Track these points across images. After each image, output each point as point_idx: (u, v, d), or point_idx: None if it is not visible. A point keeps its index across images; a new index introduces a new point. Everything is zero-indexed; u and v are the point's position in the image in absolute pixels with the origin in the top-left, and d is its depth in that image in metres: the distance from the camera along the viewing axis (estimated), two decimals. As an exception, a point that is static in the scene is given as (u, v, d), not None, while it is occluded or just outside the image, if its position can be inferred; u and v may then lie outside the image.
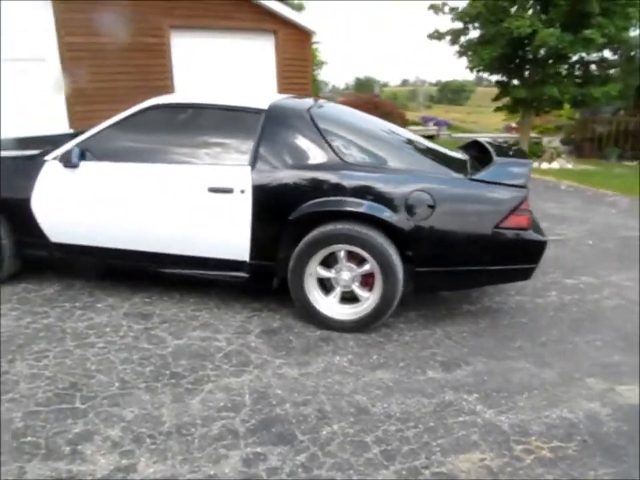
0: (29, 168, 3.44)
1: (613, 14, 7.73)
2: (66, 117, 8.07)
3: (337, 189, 3.00)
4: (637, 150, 9.42)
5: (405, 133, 3.79)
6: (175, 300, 3.56)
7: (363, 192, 2.96)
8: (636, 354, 2.92)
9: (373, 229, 2.96)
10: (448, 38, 9.42)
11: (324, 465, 2.09)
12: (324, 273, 3.13)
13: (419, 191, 2.93)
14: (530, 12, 7.98)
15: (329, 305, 3.16)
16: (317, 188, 3.02)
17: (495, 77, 9.67)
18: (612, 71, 8.44)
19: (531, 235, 2.95)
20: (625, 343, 3.07)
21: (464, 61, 9.71)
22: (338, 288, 3.15)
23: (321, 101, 3.77)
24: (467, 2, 9.16)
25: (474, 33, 9.23)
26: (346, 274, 3.10)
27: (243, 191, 3.07)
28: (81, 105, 8.00)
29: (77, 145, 3.35)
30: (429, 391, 2.59)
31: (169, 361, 2.81)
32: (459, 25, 9.34)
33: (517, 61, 8.83)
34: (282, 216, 3.06)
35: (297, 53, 10.12)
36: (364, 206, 2.93)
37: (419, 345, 3.03)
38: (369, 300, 3.10)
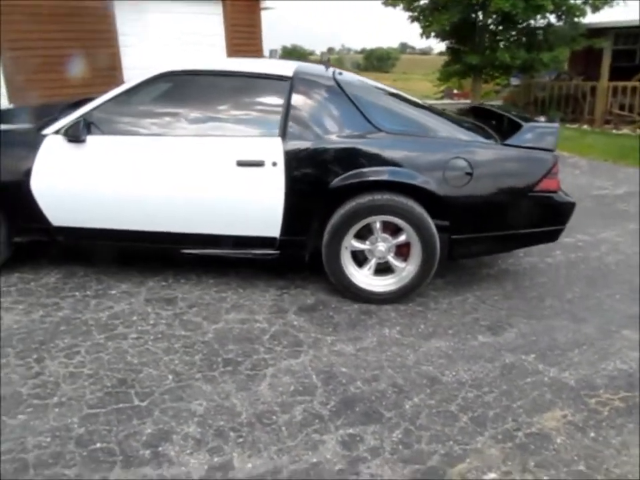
0: (24, 144, 3.02)
1: (560, -19, 7.99)
2: (3, 87, 7.26)
3: (373, 159, 2.87)
4: (577, 113, 9.94)
5: (417, 99, 3.70)
6: (194, 282, 3.33)
7: (400, 161, 2.86)
8: (654, 305, 3.09)
9: (411, 198, 2.89)
10: (401, 5, 9.32)
11: (421, 439, 2.05)
12: (359, 245, 3.03)
13: (457, 158, 2.87)
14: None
15: (364, 278, 3.07)
16: (352, 158, 2.88)
17: (443, 44, 9.74)
18: (553, 36, 8.74)
19: (562, 197, 3.00)
20: (638, 295, 3.23)
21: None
22: (373, 260, 3.06)
23: (333, 67, 3.58)
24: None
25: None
26: (382, 245, 3.01)
27: (275, 164, 2.87)
28: (21, 75, 7.21)
29: (82, 116, 2.98)
30: (488, 356, 2.60)
31: (215, 347, 2.63)
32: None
33: (469, 27, 8.93)
34: (316, 188, 2.91)
35: (246, 19, 9.64)
36: (404, 175, 2.84)
37: (458, 312, 3.03)
38: (404, 270, 3.05)
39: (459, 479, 1.88)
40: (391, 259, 3.05)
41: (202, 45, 9.20)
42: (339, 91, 2.99)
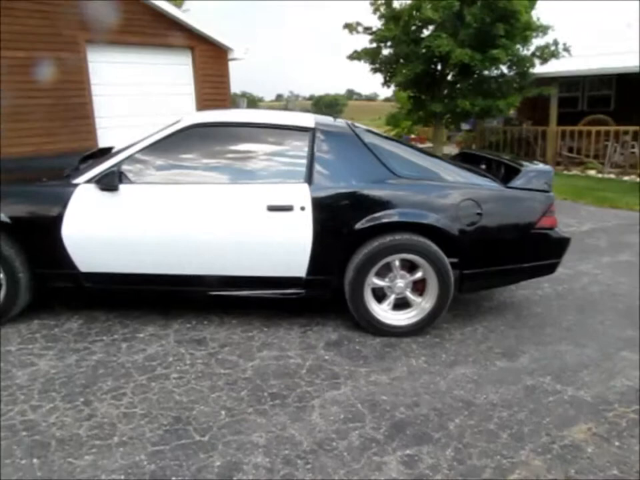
0: (55, 193, 3.14)
1: (513, 36, 8.84)
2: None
3: (393, 202, 3.17)
4: (530, 155, 10.78)
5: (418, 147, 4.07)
6: (217, 323, 3.46)
7: (418, 204, 3.18)
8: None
9: (428, 237, 3.19)
10: (365, 58, 9.99)
11: (472, 455, 2.26)
12: (379, 282, 3.29)
13: (468, 199, 3.21)
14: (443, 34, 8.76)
15: (384, 313, 3.31)
16: (374, 201, 3.17)
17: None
18: (506, 85, 9.56)
19: (558, 233, 3.38)
20: (627, 320, 3.62)
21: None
22: (392, 295, 3.32)
23: (340, 119, 3.91)
24: (381, 23, 9.83)
25: (385, 52, 9.91)
26: (401, 281, 3.28)
27: (303, 208, 3.12)
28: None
29: (114, 166, 3.14)
30: (509, 379, 2.87)
31: (258, 383, 2.77)
32: (371, 44, 9.96)
33: (429, 77, 9.64)
34: (341, 230, 3.16)
35: (214, 69, 9.99)
36: (422, 216, 3.14)
37: (472, 341, 3.30)
38: (421, 304, 3.32)
39: (513, 489, 2.10)
40: (408, 294, 3.32)
41: (172, 94, 9.46)
42: (357, 140, 3.31)
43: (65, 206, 3.10)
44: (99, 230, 3.15)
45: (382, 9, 9.51)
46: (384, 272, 3.30)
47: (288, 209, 3.12)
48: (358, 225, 3.12)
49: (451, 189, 3.25)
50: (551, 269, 3.48)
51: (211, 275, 3.24)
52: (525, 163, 3.56)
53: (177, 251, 3.18)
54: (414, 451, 2.28)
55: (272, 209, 3.12)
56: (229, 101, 10.50)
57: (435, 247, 3.17)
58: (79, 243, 3.15)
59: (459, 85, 9.31)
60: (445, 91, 9.57)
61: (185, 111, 9.63)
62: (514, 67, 9.31)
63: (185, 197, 3.17)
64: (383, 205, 3.16)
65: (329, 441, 2.33)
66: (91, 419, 2.44)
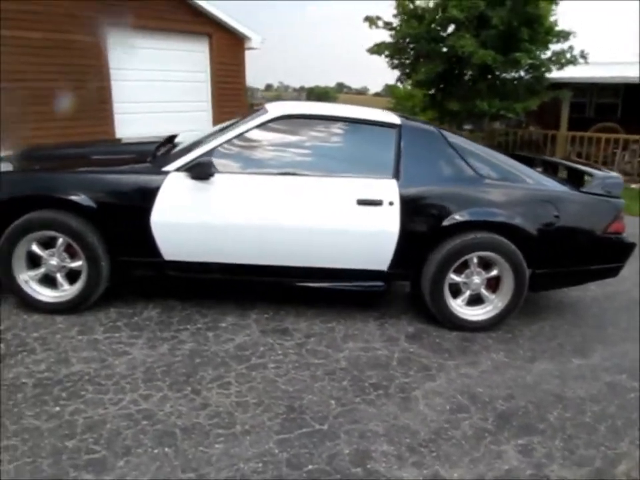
0: (147, 181, 3.17)
1: (535, 41, 9.06)
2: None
3: (477, 202, 3.31)
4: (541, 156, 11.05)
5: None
6: (293, 313, 3.55)
7: (500, 204, 3.32)
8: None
9: (507, 237, 3.33)
10: (386, 52, 10.12)
11: (578, 445, 2.42)
12: (456, 278, 3.42)
13: (547, 202, 3.37)
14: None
15: (459, 308, 3.45)
16: (460, 200, 3.29)
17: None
18: (523, 88, 9.81)
19: (625, 238, 3.56)
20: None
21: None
22: (468, 291, 3.46)
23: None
24: (399, 20, 9.96)
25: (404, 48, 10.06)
26: (477, 278, 3.42)
27: (391, 203, 3.23)
28: (11, 107, 7.08)
29: (204, 155, 3.19)
30: (589, 375, 3.03)
31: (355, 374, 2.88)
32: (389, 39, 10.10)
33: (448, 77, 9.82)
34: (427, 227, 3.28)
35: (231, 57, 10.00)
36: (505, 216, 3.28)
37: (542, 338, 3.46)
38: (494, 301, 3.47)
39: (625, 479, 2.26)
40: (482, 290, 3.46)
41: (188, 81, 9.45)
42: (442, 139, 3.43)
43: (155, 193, 3.15)
44: (188, 218, 3.20)
45: (406, 5, 9.62)
46: (460, 268, 3.43)
47: (377, 203, 3.22)
48: (444, 222, 3.25)
49: (531, 190, 3.40)
50: (615, 272, 3.65)
51: (296, 267, 3.32)
52: (592, 170, 3.74)
53: (264, 242, 3.25)
54: (525, 440, 2.43)
55: (362, 202, 3.22)
56: (244, 90, 10.51)
57: (513, 246, 3.31)
58: (167, 230, 3.20)
59: (478, 86, 9.49)
60: (462, 92, 9.75)
61: (201, 99, 9.70)
62: (531, 71, 9.54)
63: (273, 188, 3.24)
64: (468, 203, 3.29)
65: (445, 430, 2.46)
66: (206, 408, 2.52)
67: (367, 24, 9.94)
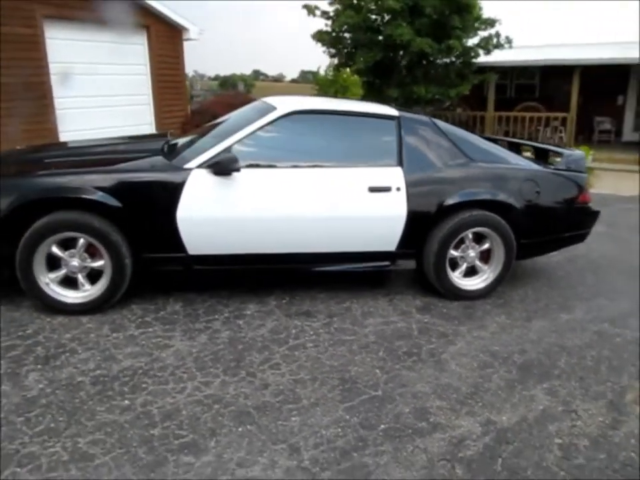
0: (172, 178, 3.25)
1: (466, 28, 9.69)
2: None
3: (472, 182, 3.69)
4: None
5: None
6: (308, 297, 3.77)
7: (494, 184, 3.72)
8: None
9: (497, 212, 3.74)
10: (326, 41, 10.35)
11: (591, 384, 2.86)
12: (454, 253, 3.79)
13: (530, 180, 3.81)
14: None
15: (458, 280, 3.84)
16: (457, 182, 3.65)
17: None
18: (454, 73, 10.46)
19: (591, 207, 4.10)
20: (634, 279, 4.46)
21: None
22: (464, 264, 3.85)
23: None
24: (334, 9, 10.24)
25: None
26: (472, 252, 3.82)
27: (398, 189, 3.53)
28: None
29: (223, 152, 3.31)
30: (578, 327, 3.51)
31: (387, 345, 3.17)
32: (326, 27, 10.37)
33: (387, 64, 10.25)
34: (430, 208, 3.62)
35: (169, 49, 9.83)
36: (498, 194, 3.69)
37: (530, 300, 3.93)
38: (487, 271, 3.89)
39: (636, 405, 2.73)
40: (477, 262, 3.87)
41: (128, 74, 9.21)
42: (435, 127, 3.77)
43: (180, 190, 3.24)
44: (212, 213, 3.32)
45: (341, -6, 9.94)
46: (457, 244, 3.80)
47: (387, 189, 3.51)
48: (445, 203, 3.60)
49: (516, 170, 3.83)
50: (584, 237, 4.20)
51: (314, 252, 3.55)
52: (559, 149, 4.24)
53: (284, 231, 3.44)
54: (548, 384, 2.84)
55: (373, 190, 3.49)
56: (184, 82, 10.37)
57: (503, 221, 3.73)
58: (192, 225, 3.30)
59: (413, 72, 10.02)
60: (399, 78, 10.24)
61: (142, 92, 9.46)
62: (461, 57, 10.20)
63: (291, 180, 3.43)
64: (464, 184, 3.66)
65: (480, 384, 2.82)
66: (268, 387, 2.71)
67: (302, 12, 10.12)
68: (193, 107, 10.38)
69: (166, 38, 9.57)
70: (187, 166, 3.30)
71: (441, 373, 2.91)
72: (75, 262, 3.27)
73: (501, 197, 3.69)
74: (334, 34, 10.30)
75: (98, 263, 3.30)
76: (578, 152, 4.17)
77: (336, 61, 10.92)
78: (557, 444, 2.40)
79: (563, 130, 11.28)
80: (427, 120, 3.83)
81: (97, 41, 8.57)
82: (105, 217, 3.21)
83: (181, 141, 3.91)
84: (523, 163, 3.97)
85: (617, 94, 13.15)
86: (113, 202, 3.18)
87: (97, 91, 8.53)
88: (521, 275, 4.47)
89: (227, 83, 46.39)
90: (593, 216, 4.12)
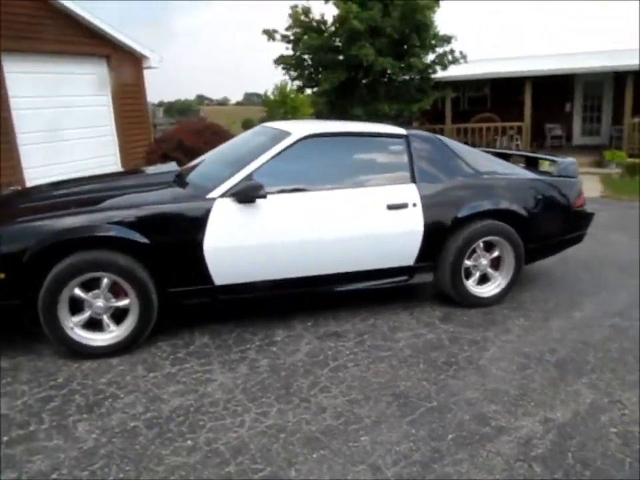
0: (196, 210, 3.24)
1: (424, 46, 10.10)
2: None
3: (482, 194, 3.87)
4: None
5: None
6: (332, 317, 3.81)
7: (502, 195, 3.91)
8: None
9: (506, 221, 3.93)
10: (292, 63, 10.54)
11: (624, 374, 3.05)
12: (467, 262, 3.95)
13: (532, 188, 4.04)
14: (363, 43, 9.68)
15: (473, 288, 3.99)
16: (468, 194, 3.83)
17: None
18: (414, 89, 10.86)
19: (586, 209, 4.37)
20: (624, 273, 4.77)
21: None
22: (477, 273, 4.01)
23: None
24: (293, 32, 10.46)
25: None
26: (484, 260, 3.99)
27: (415, 205, 3.66)
28: None
29: (244, 179, 3.35)
30: (594, 323, 3.73)
31: (423, 357, 3.26)
32: (288, 51, 10.57)
33: (349, 84, 10.52)
34: (443, 221, 3.77)
35: (130, 78, 9.74)
36: (507, 204, 3.88)
37: (540, 302, 4.13)
38: (498, 278, 4.06)
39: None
40: (489, 270, 4.04)
41: (90, 105, 9.06)
42: (441, 143, 3.94)
43: (206, 220, 3.24)
44: (237, 241, 3.33)
45: (299, 16, 10.14)
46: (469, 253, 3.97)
47: (404, 206, 3.63)
48: (460, 214, 3.76)
49: (520, 180, 4.06)
50: (582, 238, 4.46)
51: (336, 273, 3.61)
52: (549, 157, 4.52)
53: (308, 253, 3.49)
54: (586, 379, 3.01)
55: (391, 207, 3.61)
56: (146, 110, 10.27)
57: (512, 229, 3.93)
58: (219, 256, 3.30)
59: (376, 90, 10.33)
60: (362, 96, 10.54)
61: (105, 123, 9.30)
62: (421, 73, 10.62)
63: (313, 203, 3.50)
64: (475, 196, 3.84)
65: (525, 385, 2.95)
66: (326, 411, 2.73)
67: (243, 35, 10.30)
68: (157, 135, 10.26)
69: (127, 67, 9.49)
70: (209, 196, 3.31)
71: (485, 379, 3.02)
72: (100, 302, 3.20)
73: (510, 206, 3.89)
74: (295, 57, 10.50)
75: (123, 302, 3.24)
76: (569, 159, 4.45)
77: (298, 83, 11.12)
78: (614, 433, 2.55)
79: (519, 138, 11.91)
80: (432, 136, 4.01)
81: (57, 72, 8.41)
82: (129, 253, 3.17)
83: (187, 171, 3.91)
84: (523, 172, 4.21)
85: (565, 102, 14.03)
86: (137, 237, 3.14)
87: (60, 124, 8.34)
88: (524, 278, 4.67)
89: (171, 109, 45.90)
90: (588, 218, 4.39)
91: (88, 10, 8.55)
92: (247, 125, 37.70)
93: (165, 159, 9.39)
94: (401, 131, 3.91)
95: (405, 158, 3.79)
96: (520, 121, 12.28)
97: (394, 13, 9.46)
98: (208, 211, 3.26)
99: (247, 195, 3.29)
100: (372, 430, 2.58)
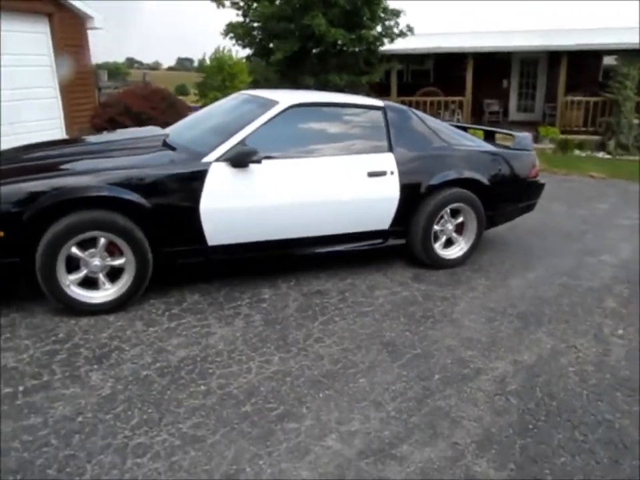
0: (193, 173, 3.36)
1: (374, 19, 10.29)
2: None
3: (451, 163, 4.23)
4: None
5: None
6: (313, 277, 4.08)
7: (469, 165, 4.28)
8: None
9: (471, 189, 4.32)
10: (239, 33, 10.42)
11: (577, 324, 3.54)
12: (436, 227, 4.32)
13: (494, 160, 4.45)
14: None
15: (440, 250, 4.38)
16: (439, 163, 4.17)
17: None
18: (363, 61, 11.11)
19: (539, 180, 4.85)
20: (569, 240, 5.33)
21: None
22: (444, 237, 4.40)
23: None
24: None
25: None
26: (450, 225, 4.38)
27: (392, 172, 3.96)
28: None
29: (237, 145, 3.49)
30: (546, 281, 4.22)
31: (402, 311, 3.61)
32: (239, 19, 10.46)
33: (301, 54, 10.58)
34: (417, 189, 4.10)
35: (74, 39, 9.30)
36: (473, 173, 4.26)
37: (497, 264, 4.59)
38: (461, 242, 4.47)
39: (612, 336, 3.43)
40: (453, 234, 4.44)
41: (29, 65, 8.62)
42: (413, 115, 4.24)
43: (203, 183, 3.38)
44: (230, 203, 3.50)
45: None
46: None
47: (383, 174, 3.93)
48: (432, 182, 4.09)
49: (483, 152, 4.45)
50: (534, 206, 4.95)
51: (320, 235, 3.87)
52: (506, 131, 4.94)
53: (295, 217, 3.72)
54: (545, 329, 3.47)
55: (371, 174, 3.89)
56: (91, 73, 9.89)
57: (476, 197, 4.33)
58: (213, 217, 3.45)
59: (327, 61, 10.49)
60: (313, 67, 10.66)
61: (49, 84, 8.89)
62: (370, 45, 10.86)
63: (301, 169, 3.72)
64: (446, 166, 4.19)
65: (494, 334, 3.37)
66: (324, 358, 3.01)
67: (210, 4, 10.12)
68: (102, 99, 9.92)
69: (70, 27, 9.04)
70: (205, 160, 3.45)
71: (459, 329, 3.41)
72: (97, 261, 3.29)
73: (475, 175, 4.28)
74: (245, 25, 10.43)
75: (119, 261, 3.35)
76: (524, 134, 4.90)
77: (248, 51, 11.07)
78: (572, 371, 3.01)
79: (460, 112, 12.50)
80: (406, 109, 4.30)
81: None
82: (127, 214, 3.26)
83: (174, 136, 3.99)
84: (486, 145, 4.61)
85: (502, 78, 14.78)
86: (136, 198, 3.24)
87: (3, 84, 7.92)
88: (481, 244, 5.13)
89: (99, 70, 43.62)
90: (540, 188, 4.88)
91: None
92: (181, 90, 36.46)
93: (111, 123, 9.20)
94: (378, 102, 4.18)
95: (383, 128, 4.06)
96: (461, 96, 12.88)
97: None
98: (204, 174, 3.40)
99: (242, 159, 3.45)
100: (368, 373, 2.89)
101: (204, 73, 29.62)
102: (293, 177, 3.69)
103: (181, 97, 19.21)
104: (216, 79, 27.50)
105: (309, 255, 4.01)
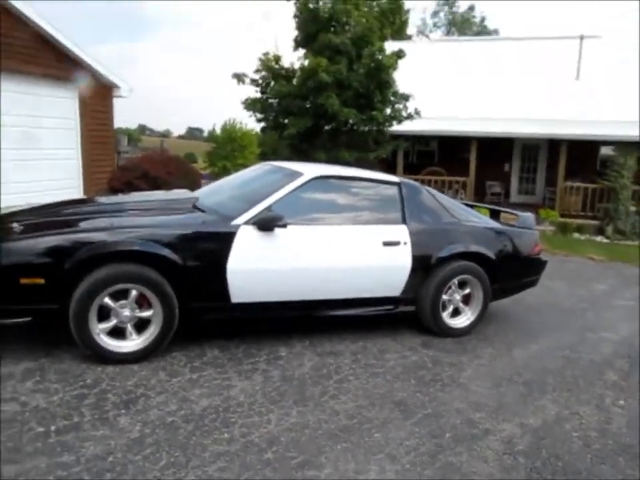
0: (224, 234, 3.69)
1: (385, 101, 11.10)
2: None
3: (460, 237, 4.56)
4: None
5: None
6: (327, 338, 4.29)
7: (476, 240, 4.62)
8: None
9: (478, 262, 4.63)
10: (258, 107, 11.25)
11: (579, 393, 3.73)
12: (444, 296, 4.59)
13: (499, 236, 4.79)
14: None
15: (448, 319, 4.62)
16: (449, 237, 4.51)
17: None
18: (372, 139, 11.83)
19: (542, 257, 5.18)
20: (571, 315, 5.59)
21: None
22: (451, 306, 4.66)
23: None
24: (260, 76, 11.22)
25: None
26: (457, 295, 4.65)
27: (405, 243, 4.29)
28: None
29: (264, 211, 3.84)
30: (549, 353, 4.44)
31: (412, 374, 3.81)
32: (259, 96, 11.33)
33: (313, 130, 11.32)
34: (428, 259, 4.41)
35: (100, 105, 10.01)
36: (480, 247, 4.58)
37: (501, 335, 4.82)
38: (468, 312, 4.73)
39: (614, 406, 3.62)
40: (460, 304, 4.70)
41: (58, 128, 9.24)
42: (426, 192, 4.64)
43: (231, 243, 3.69)
44: (255, 264, 3.79)
45: (270, 63, 10.94)
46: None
47: (397, 243, 4.25)
48: (442, 254, 4.41)
49: (489, 228, 4.81)
50: (537, 282, 5.25)
51: (338, 299, 4.14)
52: (511, 210, 5.33)
53: (315, 280, 4.01)
54: (550, 396, 3.66)
55: (386, 244, 4.21)
56: (112, 138, 10.50)
57: (483, 270, 4.63)
58: (239, 276, 3.73)
59: (338, 138, 11.20)
60: (324, 142, 11.37)
61: (71, 146, 9.45)
62: (379, 126, 11.62)
63: (322, 235, 4.06)
64: (454, 240, 4.52)
65: (501, 399, 3.56)
66: (339, 414, 3.19)
67: (233, 80, 10.96)
68: (121, 163, 10.48)
69: (97, 94, 9.75)
70: (234, 222, 3.78)
71: (467, 393, 3.60)
72: (127, 312, 3.53)
73: (482, 250, 4.61)
74: (263, 101, 11.24)
75: (147, 313, 3.59)
76: (528, 214, 5.29)
77: (262, 124, 11.81)
78: (576, 436, 3.19)
79: (463, 192, 13.10)
80: (419, 186, 4.71)
81: (26, 93, 8.58)
82: (159, 268, 3.54)
83: (203, 199, 4.35)
84: (492, 222, 4.98)
85: (504, 162, 15.57)
86: (168, 254, 3.53)
87: (26, 143, 8.46)
88: (486, 316, 5.38)
89: (120, 135, 45.45)
90: (543, 265, 5.20)
91: (69, 37, 8.88)
92: (190, 158, 37.70)
93: (128, 186, 9.69)
94: (394, 178, 4.58)
95: (398, 202, 4.44)
96: (465, 176, 13.54)
97: (360, 70, 10.48)
98: (233, 235, 3.72)
99: (268, 223, 3.78)
100: (382, 428, 3.07)
101: (214, 142, 30.99)
102: (314, 243, 4.01)
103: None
104: (226, 148, 28.79)
105: (324, 316, 4.26)
